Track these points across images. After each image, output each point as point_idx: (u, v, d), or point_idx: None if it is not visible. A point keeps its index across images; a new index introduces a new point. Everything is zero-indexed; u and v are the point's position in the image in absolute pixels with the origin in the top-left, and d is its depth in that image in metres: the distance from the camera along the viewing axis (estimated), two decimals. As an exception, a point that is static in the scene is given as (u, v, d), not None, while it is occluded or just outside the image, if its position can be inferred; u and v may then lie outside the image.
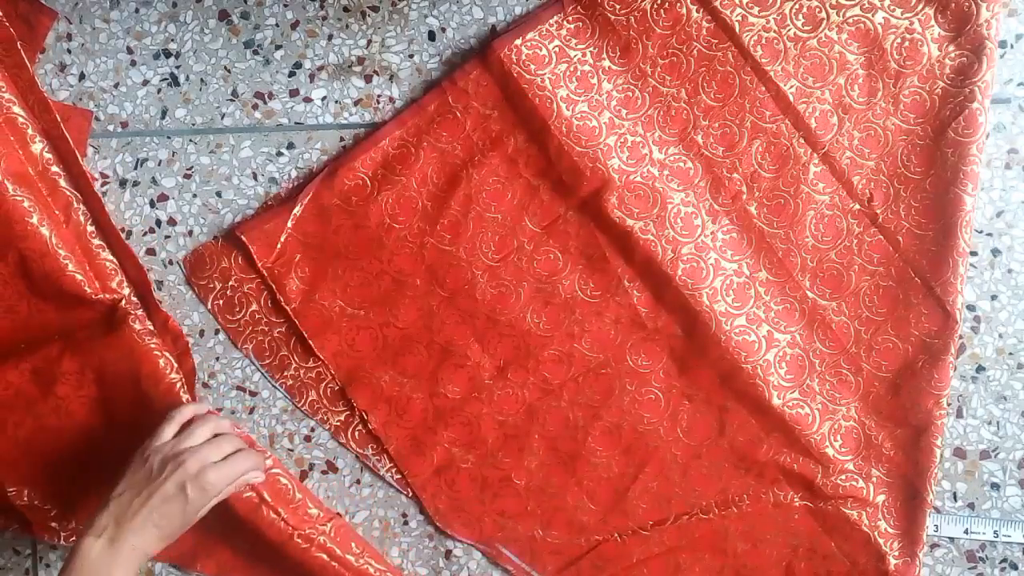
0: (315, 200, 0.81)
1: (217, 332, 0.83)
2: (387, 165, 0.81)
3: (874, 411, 0.79)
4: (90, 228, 0.81)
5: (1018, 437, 0.79)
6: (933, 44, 0.75)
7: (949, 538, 0.80)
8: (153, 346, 0.78)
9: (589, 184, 0.78)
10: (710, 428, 0.80)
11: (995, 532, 0.79)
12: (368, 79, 0.82)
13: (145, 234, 0.84)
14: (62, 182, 0.80)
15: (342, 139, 0.82)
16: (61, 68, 0.83)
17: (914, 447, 0.78)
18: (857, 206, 0.78)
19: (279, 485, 0.77)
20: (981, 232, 0.79)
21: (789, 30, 0.77)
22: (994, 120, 0.78)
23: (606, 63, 0.78)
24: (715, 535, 0.80)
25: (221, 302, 0.83)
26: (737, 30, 0.77)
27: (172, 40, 0.83)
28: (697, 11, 0.77)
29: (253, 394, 0.83)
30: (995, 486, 0.79)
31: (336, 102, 0.83)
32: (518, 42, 0.78)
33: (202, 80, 0.83)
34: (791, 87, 0.77)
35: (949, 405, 0.78)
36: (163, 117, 0.83)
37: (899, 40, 0.76)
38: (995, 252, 0.79)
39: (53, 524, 0.80)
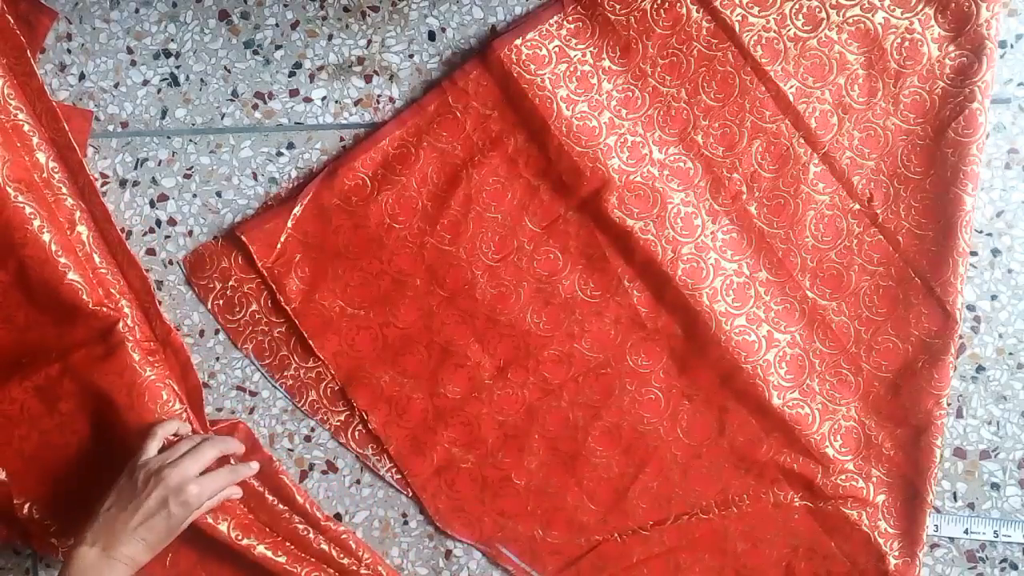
0: (315, 200, 0.81)
1: (217, 332, 0.83)
2: (387, 165, 0.81)
3: (874, 411, 0.79)
4: (93, 237, 0.80)
5: (1018, 437, 0.79)
6: (933, 44, 0.75)
7: (949, 538, 0.80)
8: (154, 377, 0.78)
9: (589, 184, 0.78)
10: (710, 428, 0.80)
11: (995, 532, 0.79)
12: (368, 79, 0.82)
13: (145, 234, 0.84)
14: (66, 190, 0.80)
15: (342, 139, 0.82)
16: (61, 68, 0.83)
17: (914, 447, 0.78)
18: (857, 206, 0.78)
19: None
20: (981, 232, 0.79)
21: (789, 30, 0.77)
22: (994, 120, 0.78)
23: (606, 63, 0.78)
24: (715, 535, 0.80)
25: (221, 302, 0.83)
26: (737, 30, 0.77)
27: (172, 40, 0.83)
28: (697, 11, 0.77)
29: (253, 394, 0.83)
30: (995, 486, 0.79)
31: (336, 102, 0.83)
32: (518, 42, 0.78)
33: (202, 80, 0.83)
34: (791, 87, 0.77)
35: (949, 405, 0.78)
36: (163, 117, 0.83)
37: (899, 40, 0.76)
38: (995, 252, 0.79)
39: (52, 540, 0.80)
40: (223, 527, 0.76)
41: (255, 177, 0.83)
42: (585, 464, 0.81)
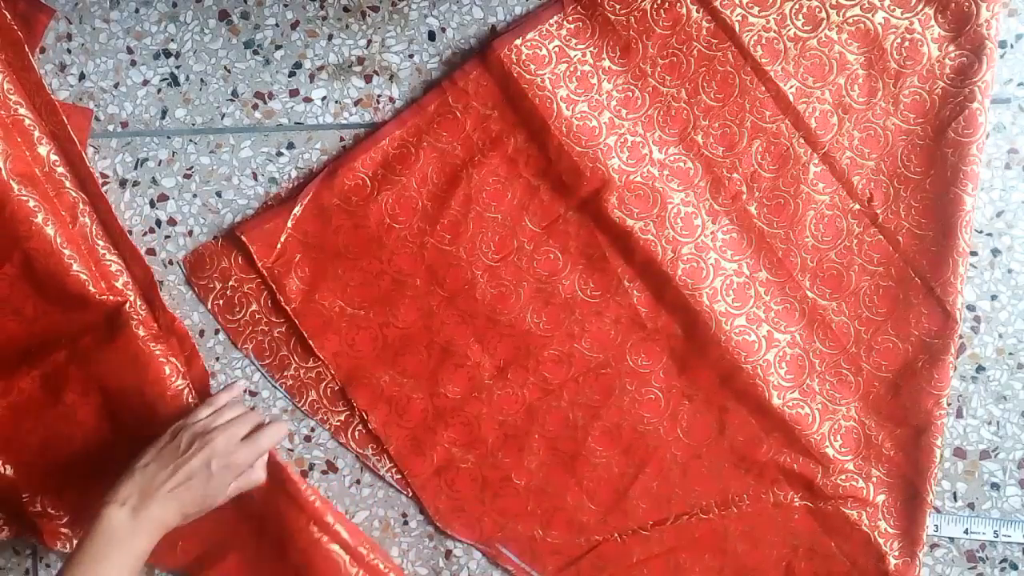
0: (315, 200, 0.81)
1: (217, 332, 0.83)
2: (387, 165, 0.81)
3: (874, 411, 0.79)
4: (96, 229, 0.81)
5: (1018, 437, 0.79)
6: (933, 44, 0.75)
7: (949, 538, 0.80)
8: (158, 352, 0.78)
9: (589, 184, 0.78)
10: (710, 428, 0.80)
11: (995, 532, 0.79)
12: (368, 79, 0.82)
13: (145, 234, 0.84)
14: (67, 183, 0.80)
15: (342, 139, 0.82)
16: (61, 68, 0.83)
17: (914, 447, 0.78)
18: (857, 206, 0.78)
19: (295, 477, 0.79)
20: (981, 232, 0.79)
21: (789, 30, 0.77)
22: (994, 120, 0.78)
23: (606, 63, 0.78)
24: (715, 535, 0.80)
25: (221, 302, 0.83)
26: (737, 30, 0.77)
27: (172, 40, 0.83)
28: (697, 11, 0.77)
29: (253, 394, 0.83)
30: (995, 486, 0.79)
31: (336, 102, 0.83)
32: (518, 42, 0.78)
33: (202, 80, 0.83)
34: (791, 87, 0.77)
35: (949, 405, 0.78)
36: (163, 117, 0.83)
37: (899, 40, 0.76)
38: (995, 252, 0.79)
39: (64, 530, 0.80)
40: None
41: (255, 177, 0.83)
42: (585, 464, 0.81)
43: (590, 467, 0.81)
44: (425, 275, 0.81)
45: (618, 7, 0.77)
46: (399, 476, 0.82)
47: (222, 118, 0.83)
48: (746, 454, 0.80)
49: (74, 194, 0.80)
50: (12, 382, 0.79)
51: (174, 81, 0.83)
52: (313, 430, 0.83)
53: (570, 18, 0.78)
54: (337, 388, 0.82)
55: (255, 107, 0.83)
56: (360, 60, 0.82)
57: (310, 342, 0.82)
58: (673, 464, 0.80)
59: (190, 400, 0.79)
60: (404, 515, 0.83)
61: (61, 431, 0.80)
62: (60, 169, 0.80)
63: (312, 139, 0.83)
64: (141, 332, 0.78)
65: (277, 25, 0.82)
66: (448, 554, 0.83)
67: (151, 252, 0.83)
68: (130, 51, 0.83)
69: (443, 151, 0.80)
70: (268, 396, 0.83)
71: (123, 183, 0.84)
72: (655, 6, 0.77)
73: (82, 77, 0.83)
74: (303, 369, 0.83)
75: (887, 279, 0.78)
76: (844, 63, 0.76)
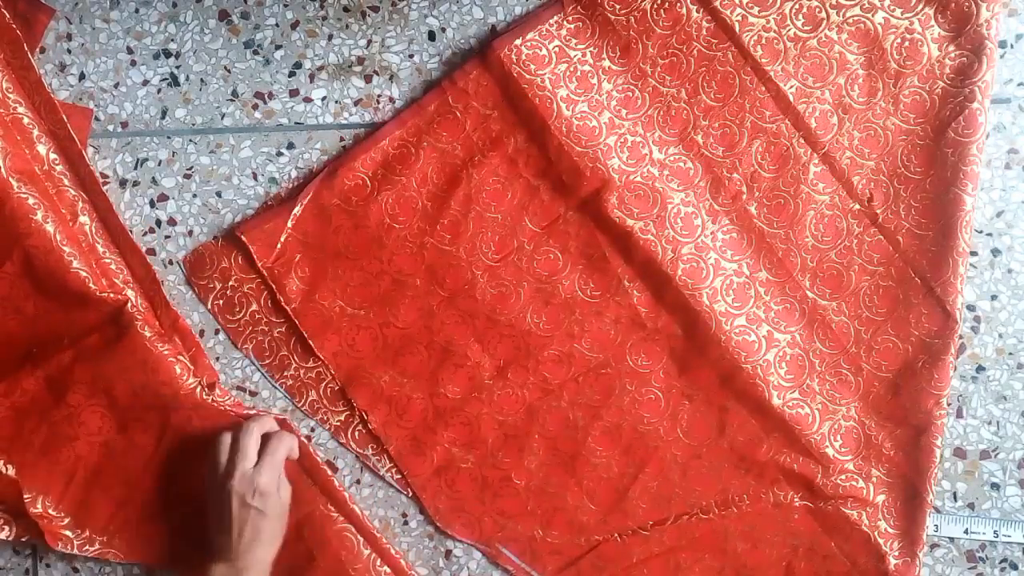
0: (315, 200, 0.81)
1: (217, 332, 0.83)
2: (387, 165, 0.81)
3: (874, 411, 0.79)
4: (96, 227, 0.81)
5: (1018, 437, 0.79)
6: (933, 44, 0.75)
7: (949, 538, 0.80)
8: (166, 352, 0.78)
9: (589, 184, 0.78)
10: (710, 428, 0.80)
11: (995, 532, 0.79)
12: (368, 79, 0.82)
13: (145, 234, 0.84)
14: (67, 182, 0.80)
15: (342, 139, 0.82)
16: (61, 68, 0.83)
17: (914, 447, 0.78)
18: (857, 206, 0.78)
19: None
20: (981, 232, 0.79)
21: (789, 30, 0.77)
22: (994, 120, 0.78)
23: (606, 63, 0.78)
24: (715, 535, 0.80)
25: (221, 302, 0.83)
26: (737, 30, 0.77)
27: (172, 40, 0.83)
28: (697, 11, 0.77)
29: (253, 394, 0.83)
30: (995, 486, 0.79)
31: (336, 102, 0.83)
32: (518, 42, 0.78)
33: (202, 80, 0.83)
34: (791, 87, 0.77)
35: (949, 405, 0.78)
36: (163, 117, 0.83)
37: (899, 40, 0.76)
38: (995, 252, 0.79)
39: (67, 532, 0.80)
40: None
41: (255, 177, 0.83)
42: (585, 464, 0.81)
43: (590, 467, 0.81)
44: (425, 275, 0.81)
45: (618, 7, 0.77)
46: (399, 476, 0.82)
47: (222, 118, 0.83)
48: (746, 454, 0.80)
49: (73, 192, 0.80)
50: (16, 382, 0.79)
51: (174, 81, 0.83)
52: (313, 430, 0.83)
53: (570, 18, 0.78)
54: (337, 388, 0.82)
55: (255, 107, 0.83)
56: (360, 60, 0.82)
57: (310, 342, 0.82)
58: (673, 464, 0.80)
59: (203, 397, 0.79)
60: (404, 515, 0.83)
61: (65, 432, 0.79)
62: (59, 167, 0.80)
63: (312, 139, 0.83)
64: (147, 332, 0.78)
65: (277, 25, 0.82)
66: (448, 554, 0.83)
67: (151, 252, 0.83)
68: (130, 51, 0.83)
69: (443, 151, 0.80)
70: (268, 396, 0.83)
71: (123, 183, 0.84)
72: (655, 6, 0.77)
73: (82, 77, 0.83)
74: (303, 369, 0.83)
75: (887, 279, 0.78)
76: (844, 63, 0.76)
